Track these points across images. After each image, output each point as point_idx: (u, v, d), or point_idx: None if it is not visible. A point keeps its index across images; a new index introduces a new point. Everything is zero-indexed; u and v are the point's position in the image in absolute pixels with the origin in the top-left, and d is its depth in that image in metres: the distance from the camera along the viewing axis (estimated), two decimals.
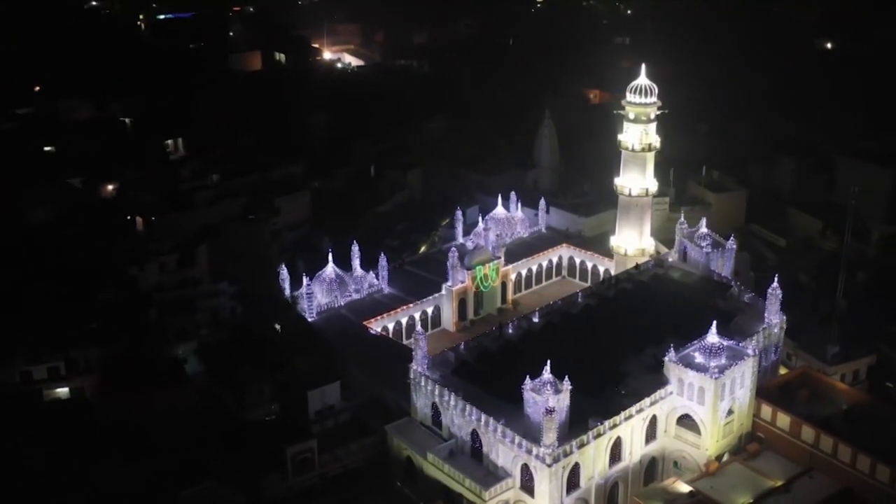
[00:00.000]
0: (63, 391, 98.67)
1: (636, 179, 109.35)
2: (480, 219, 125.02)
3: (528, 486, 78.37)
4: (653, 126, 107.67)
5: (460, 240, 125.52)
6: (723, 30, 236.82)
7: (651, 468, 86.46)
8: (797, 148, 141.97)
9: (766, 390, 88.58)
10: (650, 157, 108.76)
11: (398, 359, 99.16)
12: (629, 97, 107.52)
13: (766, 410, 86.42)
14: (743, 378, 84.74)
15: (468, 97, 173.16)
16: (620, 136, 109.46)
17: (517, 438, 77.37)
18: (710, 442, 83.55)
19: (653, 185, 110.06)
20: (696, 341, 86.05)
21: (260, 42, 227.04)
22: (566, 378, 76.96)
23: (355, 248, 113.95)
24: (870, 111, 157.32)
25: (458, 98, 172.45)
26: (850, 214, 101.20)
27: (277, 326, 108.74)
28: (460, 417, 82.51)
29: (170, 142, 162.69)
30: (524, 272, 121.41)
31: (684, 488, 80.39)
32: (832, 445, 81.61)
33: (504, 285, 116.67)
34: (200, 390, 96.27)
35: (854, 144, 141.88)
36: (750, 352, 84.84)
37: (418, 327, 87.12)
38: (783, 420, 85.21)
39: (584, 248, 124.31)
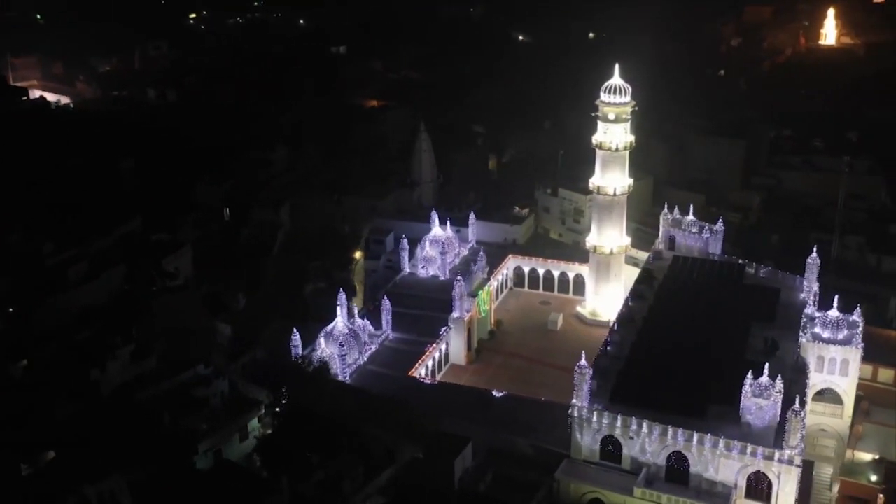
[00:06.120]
0: None
1: (617, 178, 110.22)
2: (428, 245, 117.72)
3: (758, 493, 77.23)
4: (629, 125, 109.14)
5: (407, 269, 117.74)
6: (422, 31, 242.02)
7: None
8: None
9: None
10: (627, 155, 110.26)
11: (482, 403, 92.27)
12: (606, 98, 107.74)
13: (866, 369, 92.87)
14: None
15: (281, 121, 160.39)
16: (598, 137, 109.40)
17: (750, 447, 75.89)
18: (851, 410, 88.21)
19: (630, 182, 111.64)
20: (804, 319, 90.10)
21: None
22: (779, 378, 77.31)
23: (342, 297, 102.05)
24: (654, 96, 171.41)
25: (266, 124, 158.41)
26: (843, 184, 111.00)
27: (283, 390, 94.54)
28: (655, 443, 78.70)
29: None
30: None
31: (865, 457, 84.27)
32: None
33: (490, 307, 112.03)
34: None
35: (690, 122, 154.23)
36: (857, 319, 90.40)
37: (582, 360, 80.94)
38: (886, 374, 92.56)
39: (531, 255, 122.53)
